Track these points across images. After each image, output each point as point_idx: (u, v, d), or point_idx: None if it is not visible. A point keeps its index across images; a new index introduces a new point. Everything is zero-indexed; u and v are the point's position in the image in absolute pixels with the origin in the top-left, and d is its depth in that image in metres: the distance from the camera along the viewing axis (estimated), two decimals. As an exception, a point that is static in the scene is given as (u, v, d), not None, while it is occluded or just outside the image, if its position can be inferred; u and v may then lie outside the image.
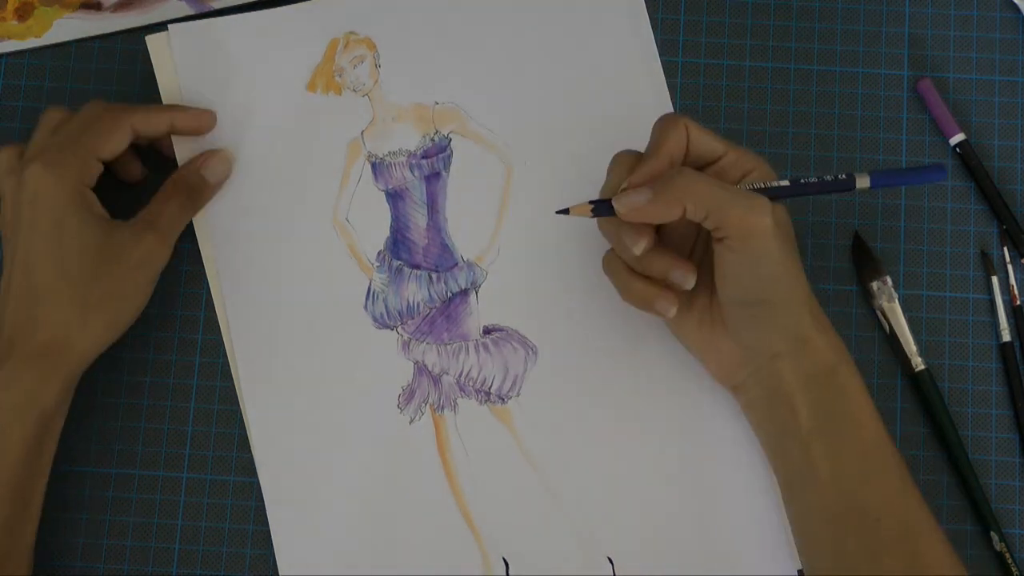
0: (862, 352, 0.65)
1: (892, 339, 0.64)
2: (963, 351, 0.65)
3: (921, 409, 0.64)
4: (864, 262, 0.65)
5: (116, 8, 0.68)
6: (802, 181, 0.57)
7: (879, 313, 0.64)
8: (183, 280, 0.66)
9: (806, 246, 0.66)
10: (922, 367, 0.63)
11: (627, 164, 0.57)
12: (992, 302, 0.65)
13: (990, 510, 0.62)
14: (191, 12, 0.68)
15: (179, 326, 0.65)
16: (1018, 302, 0.65)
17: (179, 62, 0.66)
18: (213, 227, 0.65)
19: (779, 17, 0.68)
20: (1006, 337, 0.64)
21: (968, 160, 0.66)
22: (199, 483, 0.64)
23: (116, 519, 0.64)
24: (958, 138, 0.66)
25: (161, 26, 0.68)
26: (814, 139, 0.67)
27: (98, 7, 0.68)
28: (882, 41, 0.68)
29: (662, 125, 0.57)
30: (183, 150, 0.65)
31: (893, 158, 0.67)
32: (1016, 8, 0.68)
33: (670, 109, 0.66)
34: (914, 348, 0.64)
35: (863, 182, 0.56)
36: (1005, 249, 0.65)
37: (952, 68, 0.67)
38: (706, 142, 0.57)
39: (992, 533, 0.62)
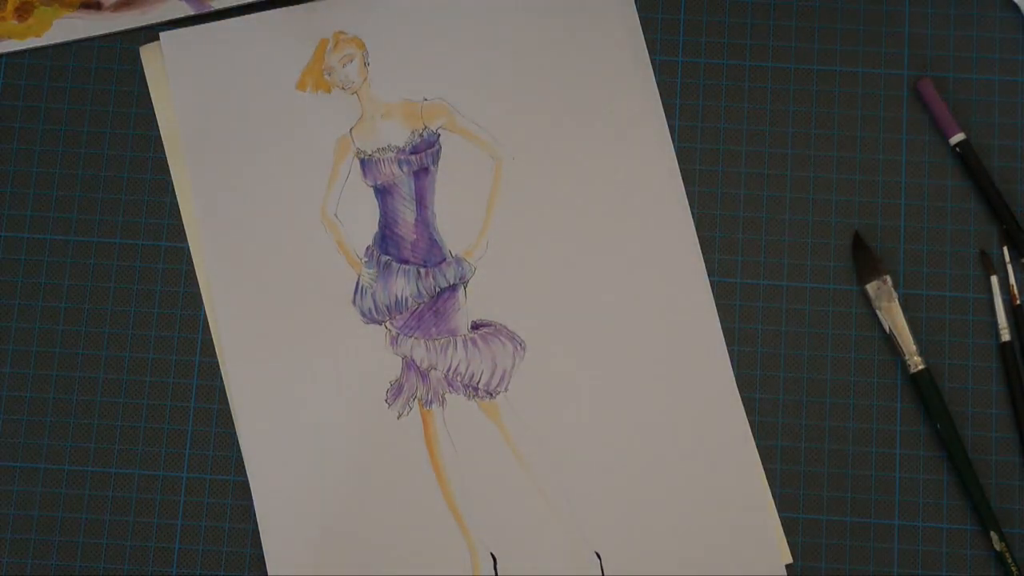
0: (862, 352, 0.65)
1: (892, 339, 0.64)
2: (963, 351, 0.65)
3: (921, 409, 0.64)
4: (864, 262, 0.65)
5: (116, 8, 0.68)
6: None
7: (879, 313, 0.64)
8: (183, 280, 0.66)
9: (806, 246, 0.66)
10: (922, 367, 0.63)
11: None
12: (992, 302, 0.65)
13: (990, 510, 0.62)
14: (191, 12, 0.68)
15: (179, 326, 0.65)
16: (1018, 302, 0.65)
17: (170, 68, 0.67)
18: (202, 223, 0.65)
19: (779, 17, 0.68)
20: (1006, 337, 0.64)
21: (968, 160, 0.66)
22: (199, 483, 0.64)
23: (116, 519, 0.64)
24: (958, 138, 0.66)
25: (161, 26, 0.68)
26: (814, 139, 0.67)
27: (98, 7, 0.68)
28: (882, 41, 0.68)
29: None
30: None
31: (893, 158, 0.67)
32: (1016, 8, 0.68)
33: (657, 101, 0.67)
34: (914, 348, 0.64)
35: None
36: (1005, 249, 0.65)
37: (952, 68, 0.67)
38: None
39: (992, 533, 0.62)
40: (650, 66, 0.67)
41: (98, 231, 0.66)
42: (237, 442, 0.64)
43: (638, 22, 0.67)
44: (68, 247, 0.66)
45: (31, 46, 0.68)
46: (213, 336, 0.65)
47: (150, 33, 0.68)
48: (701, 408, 0.63)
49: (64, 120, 0.68)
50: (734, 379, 0.64)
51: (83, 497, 0.64)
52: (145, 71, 0.67)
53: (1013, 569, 0.62)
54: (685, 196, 0.66)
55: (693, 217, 0.66)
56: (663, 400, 0.63)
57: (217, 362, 0.65)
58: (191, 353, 0.65)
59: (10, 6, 0.69)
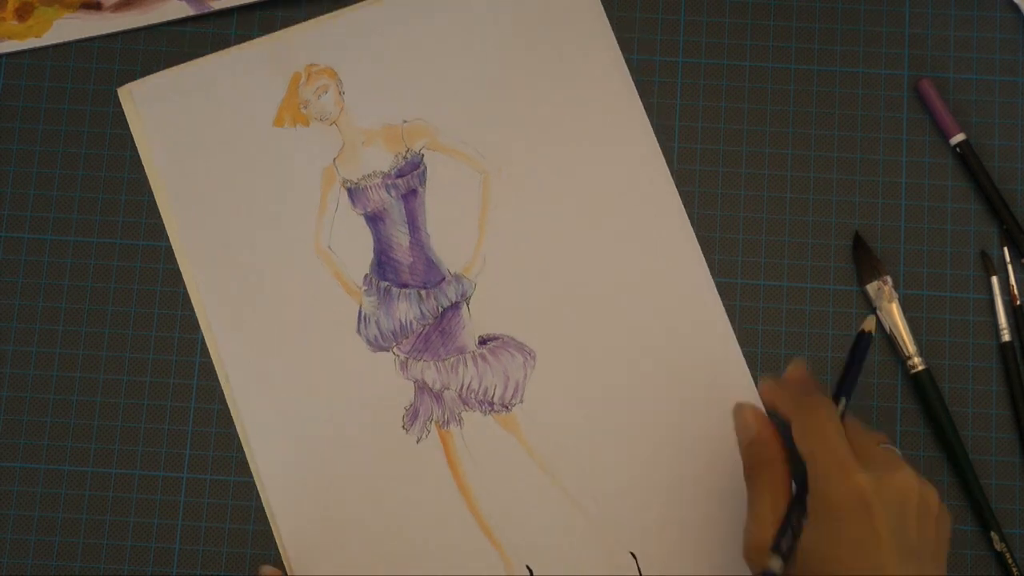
0: (862, 352, 0.65)
1: (892, 340, 0.64)
2: (963, 351, 0.65)
3: (921, 409, 0.64)
4: (864, 262, 0.65)
5: (116, 8, 0.68)
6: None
7: (879, 313, 0.64)
8: (183, 281, 0.66)
9: (806, 246, 0.66)
10: (922, 367, 0.63)
11: None
12: (992, 302, 0.65)
13: (990, 510, 0.62)
14: (191, 13, 0.68)
15: (179, 326, 0.65)
16: (1018, 302, 0.65)
17: (146, 117, 0.67)
18: (197, 270, 0.65)
19: (779, 17, 0.68)
20: (1006, 337, 0.64)
21: (968, 160, 0.66)
22: (199, 483, 0.64)
23: (116, 519, 0.64)
24: (958, 138, 0.66)
25: (161, 27, 0.68)
26: (814, 139, 0.67)
27: (98, 7, 0.68)
28: (882, 41, 0.68)
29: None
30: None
31: (893, 158, 0.66)
32: (1016, 8, 0.68)
33: (640, 108, 0.66)
34: (914, 348, 0.64)
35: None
36: (1005, 249, 0.65)
37: (952, 68, 0.67)
38: None
39: (992, 533, 0.62)
40: (626, 67, 0.67)
41: (98, 231, 0.66)
42: (237, 442, 0.64)
43: (608, 25, 0.67)
44: (68, 247, 0.66)
45: (31, 46, 0.68)
46: (220, 378, 0.64)
47: (128, 71, 0.68)
48: (716, 401, 0.63)
49: (64, 121, 0.68)
50: (749, 372, 0.64)
51: (83, 498, 0.64)
52: (124, 109, 0.67)
53: (1013, 569, 0.61)
54: (676, 192, 0.66)
55: (693, 218, 0.66)
56: (679, 394, 0.63)
57: (216, 363, 0.65)
58: (191, 353, 0.65)
59: (10, 6, 0.69)
